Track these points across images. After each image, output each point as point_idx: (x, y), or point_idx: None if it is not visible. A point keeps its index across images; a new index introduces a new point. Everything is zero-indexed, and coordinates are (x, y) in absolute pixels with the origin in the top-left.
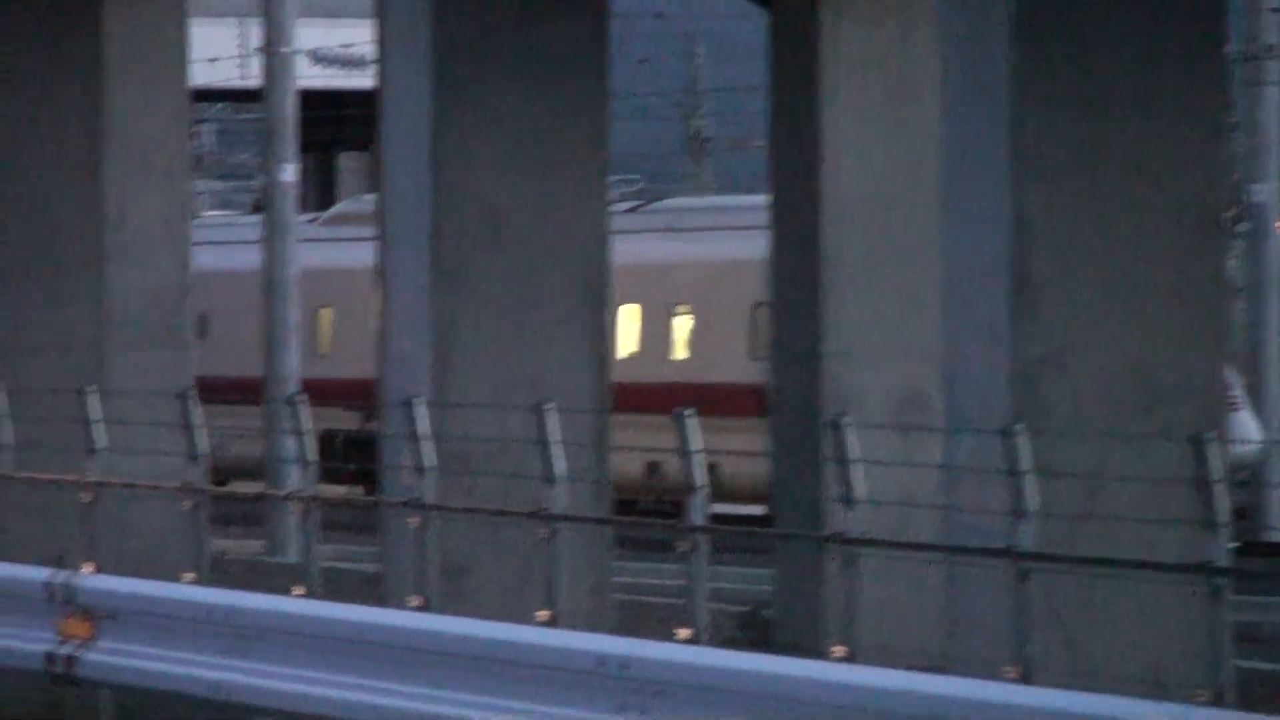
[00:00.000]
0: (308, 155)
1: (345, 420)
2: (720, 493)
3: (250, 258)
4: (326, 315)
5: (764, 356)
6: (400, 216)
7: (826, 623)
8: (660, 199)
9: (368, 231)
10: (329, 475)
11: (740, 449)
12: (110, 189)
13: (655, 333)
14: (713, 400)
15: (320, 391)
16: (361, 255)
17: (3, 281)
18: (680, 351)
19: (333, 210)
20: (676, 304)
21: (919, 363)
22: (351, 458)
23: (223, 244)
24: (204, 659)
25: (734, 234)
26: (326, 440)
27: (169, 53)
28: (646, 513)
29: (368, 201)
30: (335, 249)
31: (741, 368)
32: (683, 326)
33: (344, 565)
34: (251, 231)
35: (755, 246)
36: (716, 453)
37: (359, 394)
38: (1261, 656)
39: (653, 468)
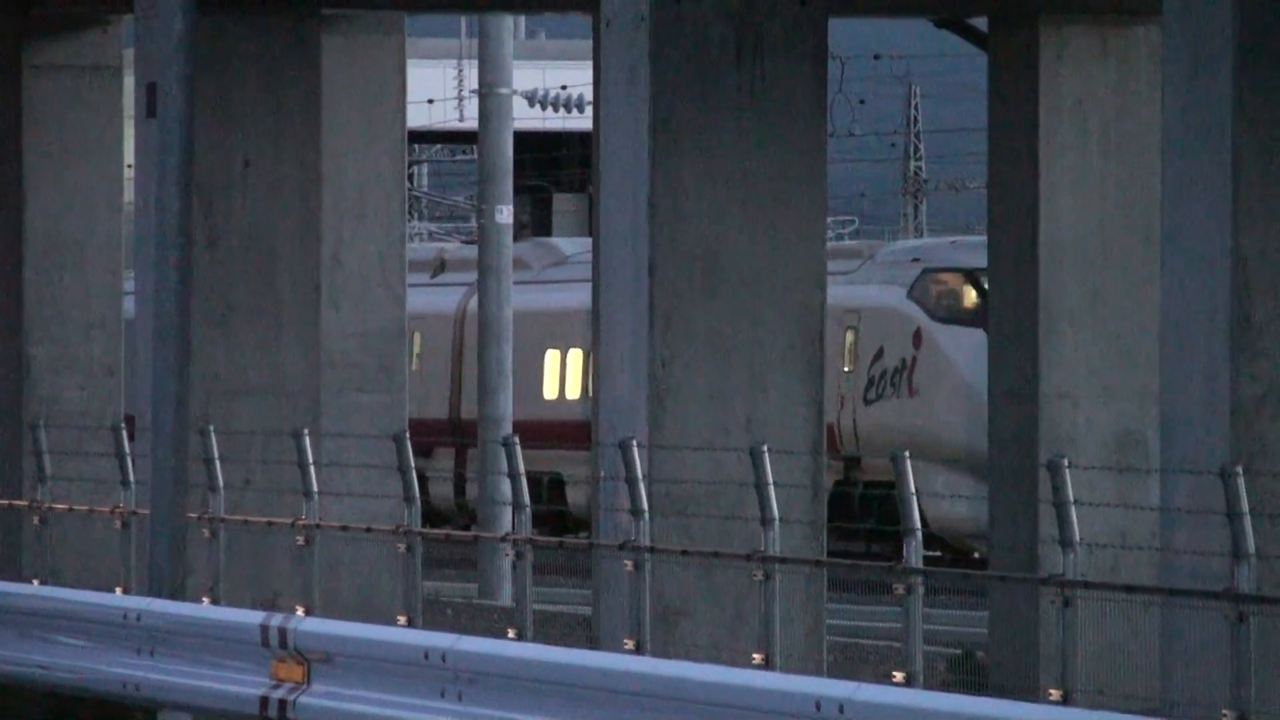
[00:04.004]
0: (522, 196)
1: None
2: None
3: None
4: None
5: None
6: (616, 258)
7: (1042, 665)
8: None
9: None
10: None
11: None
12: (326, 230)
13: None
14: None
15: None
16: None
17: (221, 322)
18: None
19: None
20: None
21: (1136, 403)
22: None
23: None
24: (418, 701)
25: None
26: None
27: (387, 95)
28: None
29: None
30: None
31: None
32: None
33: (556, 608)
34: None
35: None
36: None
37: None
38: None
39: None
